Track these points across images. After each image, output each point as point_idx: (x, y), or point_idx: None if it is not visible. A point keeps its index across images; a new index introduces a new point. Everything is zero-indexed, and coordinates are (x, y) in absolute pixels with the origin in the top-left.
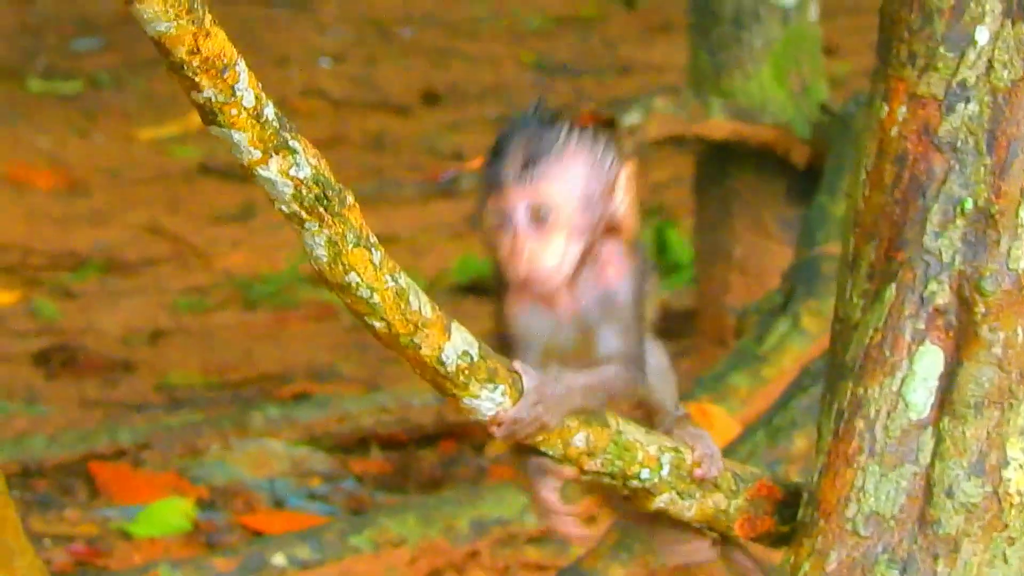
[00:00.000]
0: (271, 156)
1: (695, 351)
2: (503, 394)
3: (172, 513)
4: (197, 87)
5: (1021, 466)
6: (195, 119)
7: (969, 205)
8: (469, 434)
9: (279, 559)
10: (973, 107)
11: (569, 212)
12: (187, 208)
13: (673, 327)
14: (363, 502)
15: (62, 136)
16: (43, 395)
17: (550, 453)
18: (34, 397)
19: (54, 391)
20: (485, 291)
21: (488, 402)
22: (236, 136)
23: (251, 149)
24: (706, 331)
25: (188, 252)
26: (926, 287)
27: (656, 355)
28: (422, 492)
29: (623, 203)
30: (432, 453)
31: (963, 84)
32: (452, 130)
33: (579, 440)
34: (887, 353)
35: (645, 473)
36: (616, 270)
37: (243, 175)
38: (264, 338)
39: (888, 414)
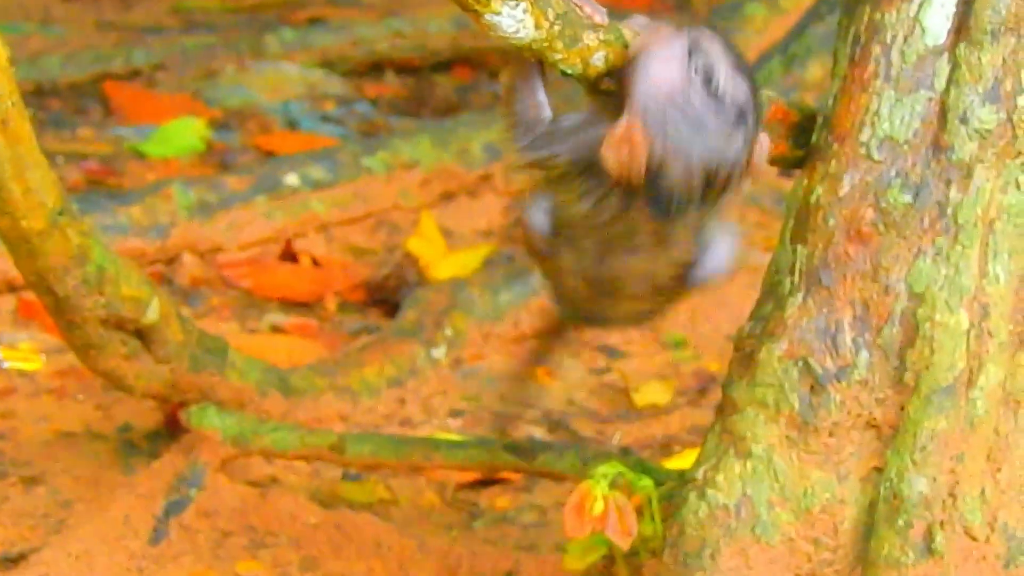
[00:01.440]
0: None
1: None
2: (525, 11)
3: (186, 133)
4: None
5: None
6: None
7: None
8: (485, 61)
9: (292, 179)
10: None
11: None
12: None
13: None
14: (377, 126)
15: None
16: (58, 17)
17: (569, 72)
18: (49, 18)
19: (69, 13)
20: None
21: (509, 19)
22: None
23: None
24: None
25: None
26: None
27: None
28: (436, 117)
29: None
30: (447, 79)
31: None
32: None
33: (598, 59)
34: None
35: None
36: None
37: None
38: None
39: (905, 39)
